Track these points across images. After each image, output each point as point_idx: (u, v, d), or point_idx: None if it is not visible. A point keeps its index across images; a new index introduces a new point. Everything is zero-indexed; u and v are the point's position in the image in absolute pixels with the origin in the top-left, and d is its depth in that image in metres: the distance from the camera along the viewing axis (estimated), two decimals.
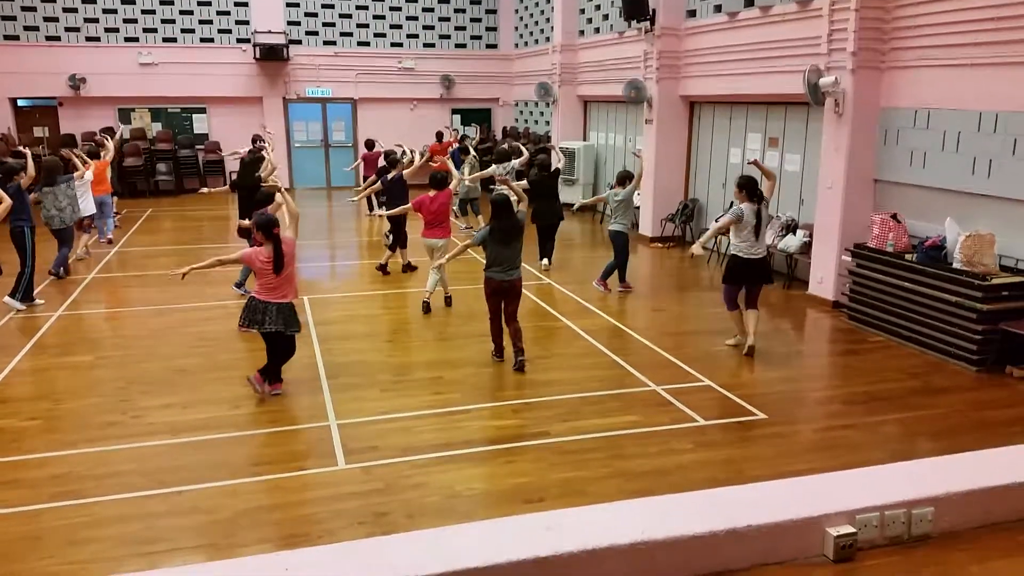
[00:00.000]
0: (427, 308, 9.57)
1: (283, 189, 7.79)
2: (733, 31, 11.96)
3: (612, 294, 10.47)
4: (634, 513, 3.44)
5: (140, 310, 9.84)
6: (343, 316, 9.59)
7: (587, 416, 6.55)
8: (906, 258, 8.39)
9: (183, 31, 20.09)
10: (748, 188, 7.84)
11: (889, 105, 9.22)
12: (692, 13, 13.17)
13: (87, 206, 12.07)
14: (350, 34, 21.26)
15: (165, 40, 19.97)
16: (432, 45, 21.93)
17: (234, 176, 12.57)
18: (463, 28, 22.12)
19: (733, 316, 8.24)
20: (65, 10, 19.19)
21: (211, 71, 20.07)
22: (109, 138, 15.10)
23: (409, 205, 10.08)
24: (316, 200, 19.73)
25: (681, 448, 5.99)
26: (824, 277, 9.95)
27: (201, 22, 20.15)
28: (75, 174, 11.60)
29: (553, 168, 12.22)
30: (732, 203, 7.97)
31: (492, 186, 13.53)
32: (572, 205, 15.73)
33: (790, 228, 10.96)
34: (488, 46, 22.42)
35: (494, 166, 13.24)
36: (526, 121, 21.69)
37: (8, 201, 8.96)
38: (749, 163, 9.45)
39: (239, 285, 10.06)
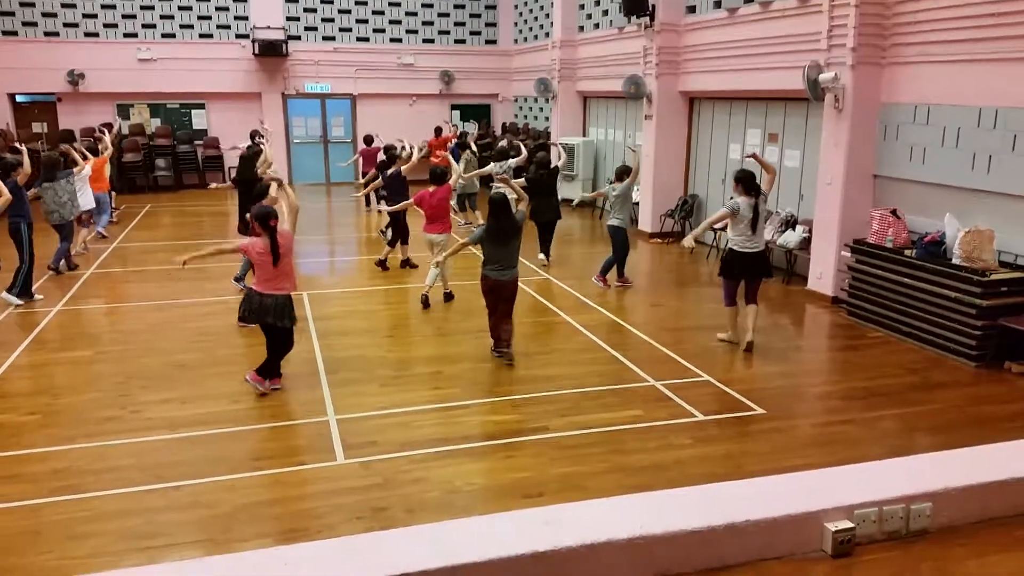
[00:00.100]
0: (426, 302, 9.58)
1: (283, 182, 7.80)
2: (733, 27, 11.94)
3: (611, 289, 10.47)
4: (632, 508, 3.44)
5: (139, 305, 9.84)
6: (342, 311, 9.59)
7: (586, 411, 6.56)
8: (905, 254, 8.39)
9: (182, 27, 20.06)
10: (745, 182, 7.84)
11: (889, 101, 9.21)
12: (692, 9, 13.15)
13: (86, 200, 12.07)
14: (349, 30, 21.23)
15: (164, 36, 19.94)
16: (431, 41, 21.90)
17: (234, 172, 12.57)
18: (462, 24, 22.08)
19: (729, 312, 8.23)
20: (63, 6, 19.14)
21: (210, 67, 20.04)
22: (107, 132, 15.08)
23: (410, 200, 10.08)
24: (315, 196, 19.71)
25: (680, 443, 5.99)
26: (823, 273, 9.96)
27: (200, 18, 20.12)
28: (74, 169, 11.60)
29: (552, 165, 12.23)
30: (732, 198, 7.97)
31: (492, 183, 13.52)
32: (572, 201, 15.74)
33: (790, 224, 10.96)
34: (487, 42, 22.39)
35: (492, 164, 13.24)
36: (525, 117, 21.66)
37: (7, 195, 8.97)
38: (747, 156, 9.46)
39: (238, 279, 10.06)
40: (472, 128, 21.87)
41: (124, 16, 19.63)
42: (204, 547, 4.63)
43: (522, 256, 7.82)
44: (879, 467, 3.87)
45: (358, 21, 21.25)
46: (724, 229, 8.34)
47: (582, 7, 17.31)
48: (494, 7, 22.18)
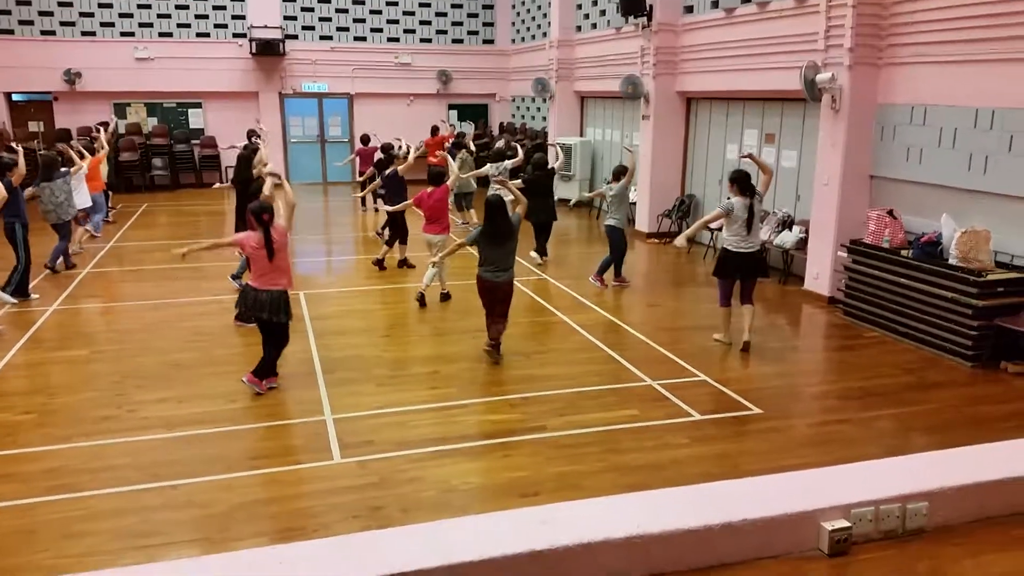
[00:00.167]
0: (422, 301, 9.58)
1: (282, 177, 7.80)
2: (730, 27, 11.96)
3: (608, 289, 10.47)
4: (629, 507, 3.45)
5: (135, 304, 9.83)
6: (339, 311, 9.58)
7: (583, 410, 6.56)
8: (902, 254, 8.40)
9: (179, 26, 20.03)
10: (740, 182, 7.85)
11: (886, 101, 9.22)
12: (689, 9, 13.16)
13: (82, 199, 12.06)
14: (346, 29, 21.22)
15: (161, 35, 19.92)
16: (429, 40, 21.89)
17: (231, 172, 12.57)
18: (460, 23, 22.08)
19: (723, 313, 8.23)
20: (60, 4, 19.11)
21: (207, 66, 20.02)
22: (103, 130, 15.04)
23: (410, 201, 10.08)
24: (312, 195, 19.69)
25: (676, 442, 6.00)
26: (820, 273, 9.97)
27: (197, 17, 20.09)
28: (72, 169, 11.59)
29: (549, 166, 12.23)
30: (729, 198, 7.98)
31: (490, 183, 13.50)
32: (569, 201, 15.75)
33: (786, 224, 10.97)
34: (485, 41, 22.38)
35: (488, 165, 13.25)
36: (523, 117, 21.66)
37: (3, 193, 8.95)
38: (742, 157, 9.47)
39: (235, 277, 10.05)
40: (469, 128, 21.86)
41: (121, 15, 19.61)
42: (200, 546, 4.63)
43: (516, 255, 7.82)
44: (875, 467, 3.89)
45: (355, 20, 21.24)
46: (720, 229, 8.34)
47: (579, 7, 17.31)
48: (491, 7, 22.18)
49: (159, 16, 19.85)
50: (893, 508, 3.44)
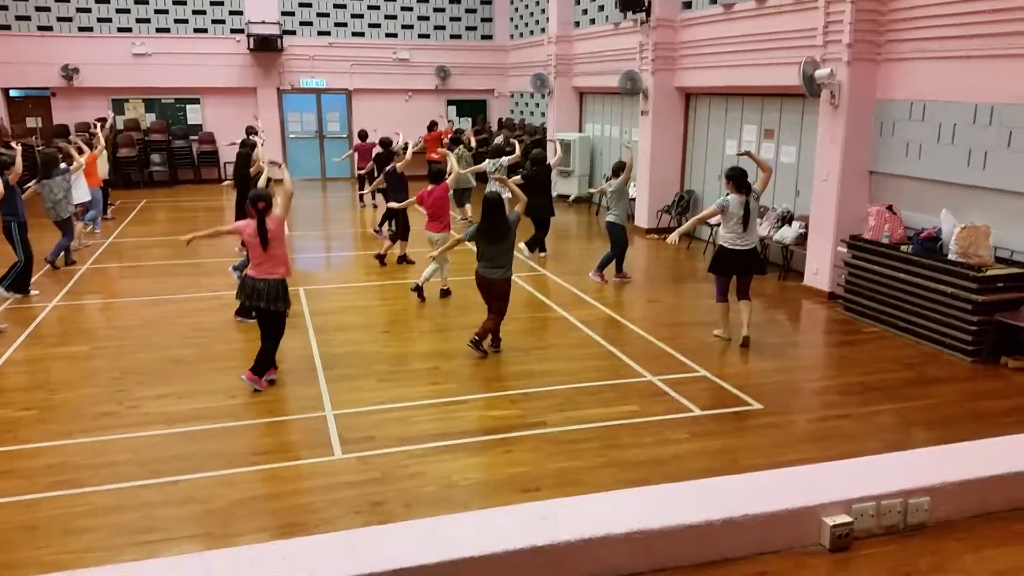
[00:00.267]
0: (420, 293, 9.60)
1: (282, 164, 7.81)
2: (729, 22, 11.94)
3: (608, 285, 10.47)
4: (630, 503, 3.44)
5: (135, 300, 9.82)
6: (339, 307, 9.58)
7: (583, 406, 6.56)
8: (902, 249, 8.40)
9: (176, 21, 19.98)
10: (736, 180, 7.85)
11: (885, 97, 9.22)
12: (688, 4, 13.14)
13: (81, 194, 12.05)
14: (344, 24, 21.17)
15: (158, 30, 19.87)
16: (427, 36, 21.85)
17: (231, 168, 12.57)
18: (458, 19, 22.04)
19: (720, 308, 8.24)
20: (57, 0, 19.06)
21: (205, 62, 19.98)
22: (100, 126, 15.02)
23: (413, 199, 10.09)
24: (311, 191, 19.68)
25: (677, 438, 6.00)
26: (820, 268, 9.97)
27: (195, 12, 20.04)
28: (71, 167, 11.57)
29: (547, 162, 12.22)
30: (728, 194, 7.98)
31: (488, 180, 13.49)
32: (568, 197, 15.74)
33: (786, 219, 10.97)
34: (483, 37, 22.34)
35: (487, 161, 13.24)
36: (521, 113, 21.64)
37: (0, 190, 8.94)
38: (739, 155, 9.46)
39: (236, 268, 10.03)
40: (467, 125, 21.83)
41: (118, 10, 19.56)
42: (202, 542, 4.63)
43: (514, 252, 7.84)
44: (877, 462, 3.89)
45: (353, 16, 21.19)
46: (718, 226, 8.34)
47: (578, 2, 17.27)
48: (490, 2, 22.14)
49: (156, 12, 19.80)
50: (894, 503, 3.45)
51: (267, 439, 6.07)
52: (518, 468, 5.53)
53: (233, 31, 20.25)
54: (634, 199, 13.94)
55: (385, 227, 13.21)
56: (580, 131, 17.97)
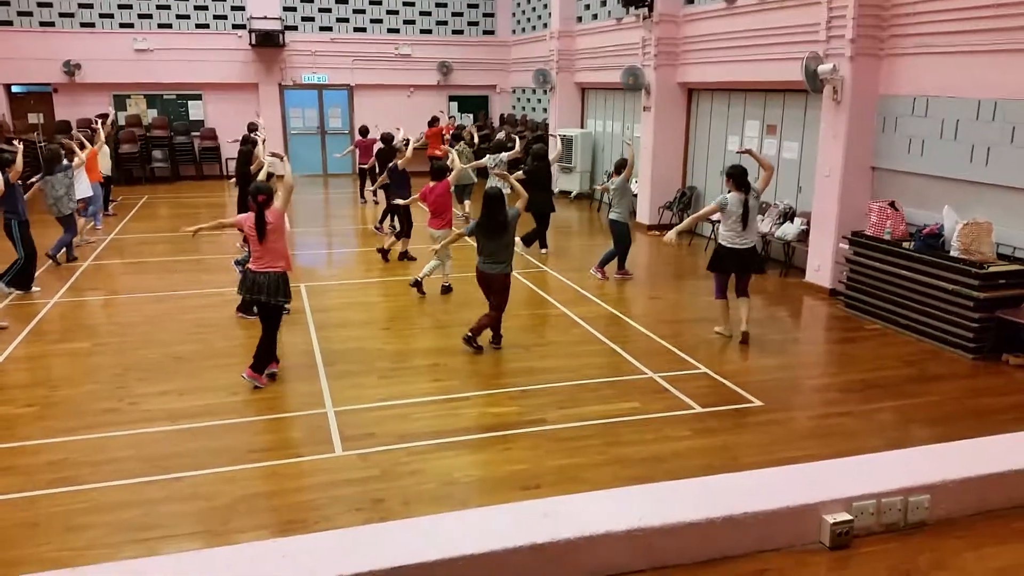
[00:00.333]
0: (419, 287, 9.63)
1: (283, 156, 7.82)
2: (731, 18, 11.91)
3: (609, 282, 10.46)
4: (631, 500, 3.44)
5: (137, 297, 9.82)
6: (340, 303, 9.58)
7: (584, 403, 6.56)
8: (903, 246, 8.38)
9: (178, 17, 19.96)
10: (736, 178, 7.84)
11: (887, 93, 9.19)
12: (690, 0, 13.11)
13: (83, 189, 12.05)
14: (346, 20, 21.14)
15: (160, 26, 19.85)
16: (429, 31, 21.82)
17: (233, 164, 12.57)
18: (460, 14, 22.00)
19: (720, 305, 8.23)
20: None
21: (207, 57, 19.96)
22: (101, 122, 15.02)
23: (416, 196, 10.09)
24: (312, 187, 19.67)
25: (677, 435, 6.00)
26: (821, 265, 9.96)
27: (196, 8, 20.02)
28: (74, 163, 11.58)
29: (549, 157, 12.21)
30: (729, 192, 7.96)
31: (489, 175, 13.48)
32: (570, 193, 15.72)
33: (787, 216, 10.95)
34: (485, 32, 22.30)
35: (487, 156, 13.24)
36: (523, 108, 21.61)
37: (0, 187, 8.95)
38: (739, 152, 9.43)
39: (239, 263, 10.03)
40: (468, 121, 21.80)
41: (120, 6, 19.54)
42: (203, 538, 4.64)
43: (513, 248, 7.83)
44: (877, 459, 3.88)
45: (355, 11, 21.16)
46: (719, 223, 8.32)
47: None
48: None
49: (158, 7, 19.78)
50: (895, 501, 3.45)
51: (268, 436, 6.08)
52: (518, 465, 5.53)
53: (235, 27, 20.22)
54: (636, 195, 13.91)
55: (386, 223, 13.22)
56: (582, 127, 17.94)
